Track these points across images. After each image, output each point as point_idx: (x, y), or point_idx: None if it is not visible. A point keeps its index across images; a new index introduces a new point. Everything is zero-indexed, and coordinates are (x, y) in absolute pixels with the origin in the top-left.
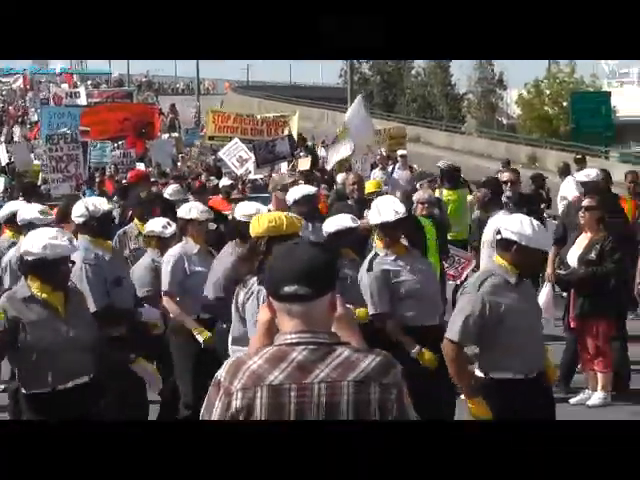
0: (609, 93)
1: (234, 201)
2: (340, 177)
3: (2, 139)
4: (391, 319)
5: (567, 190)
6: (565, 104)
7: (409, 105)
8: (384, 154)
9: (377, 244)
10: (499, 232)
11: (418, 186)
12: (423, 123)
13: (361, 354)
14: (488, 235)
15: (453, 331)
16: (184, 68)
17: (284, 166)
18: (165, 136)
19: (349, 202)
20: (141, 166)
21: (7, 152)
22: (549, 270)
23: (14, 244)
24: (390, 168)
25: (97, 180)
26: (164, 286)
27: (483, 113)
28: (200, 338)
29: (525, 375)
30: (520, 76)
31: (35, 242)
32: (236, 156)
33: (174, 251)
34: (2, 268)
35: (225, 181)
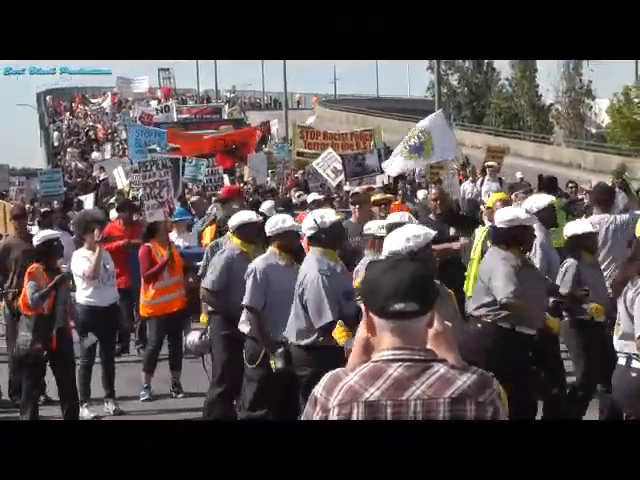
0: None
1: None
2: (421, 193)
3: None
4: None
5: None
6: None
7: (497, 117)
8: (475, 167)
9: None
10: None
11: (513, 197)
12: (511, 134)
13: (457, 371)
14: None
15: None
16: (271, 82)
17: (379, 179)
18: (255, 152)
19: (431, 217)
20: (227, 180)
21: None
22: None
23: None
24: (479, 181)
25: (187, 197)
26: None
27: (571, 123)
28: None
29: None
30: (609, 85)
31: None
32: (331, 167)
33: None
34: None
35: (314, 196)
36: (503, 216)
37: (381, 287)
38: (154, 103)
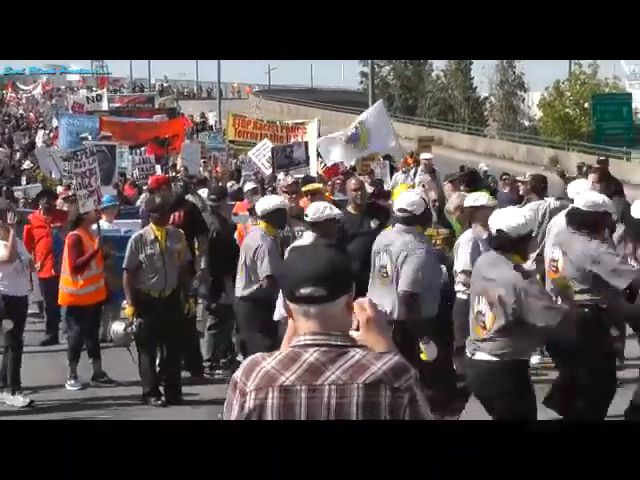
0: (630, 95)
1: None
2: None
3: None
4: None
5: None
6: (587, 105)
7: (430, 109)
8: (406, 158)
9: None
10: None
11: (447, 187)
12: (445, 126)
13: (373, 357)
14: None
15: None
16: (205, 73)
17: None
18: (188, 142)
19: (350, 209)
20: (158, 169)
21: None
22: None
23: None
24: (412, 172)
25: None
26: None
27: (505, 116)
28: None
29: None
30: (542, 78)
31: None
32: (266, 157)
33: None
34: None
35: (250, 184)
36: (591, 200)
37: (292, 272)
38: (84, 92)
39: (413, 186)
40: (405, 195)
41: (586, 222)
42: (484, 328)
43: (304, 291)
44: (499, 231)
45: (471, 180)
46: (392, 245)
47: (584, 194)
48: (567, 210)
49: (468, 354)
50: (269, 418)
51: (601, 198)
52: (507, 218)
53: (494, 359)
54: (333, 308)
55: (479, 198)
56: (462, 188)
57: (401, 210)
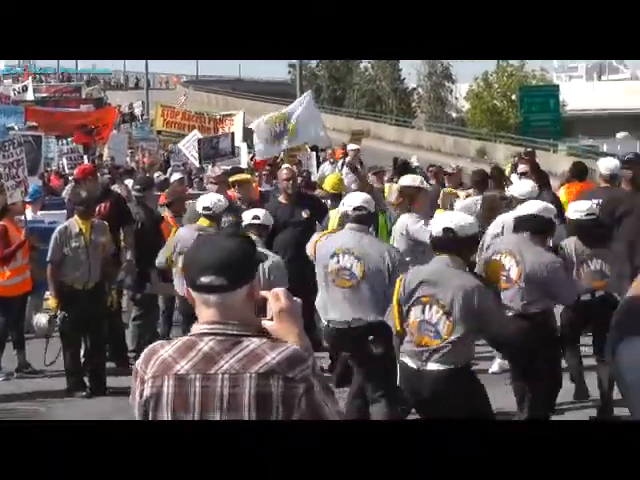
0: (557, 87)
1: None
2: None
3: None
4: None
5: None
6: (514, 97)
7: (358, 100)
8: (335, 149)
9: None
10: None
11: (372, 178)
12: (372, 117)
13: (269, 347)
14: None
15: None
16: (133, 63)
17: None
18: (115, 132)
19: (281, 199)
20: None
21: None
22: None
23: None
24: (340, 162)
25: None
26: None
27: (432, 107)
28: None
29: None
30: (469, 70)
31: None
32: (196, 148)
33: None
34: None
35: (177, 175)
36: (543, 206)
37: (193, 261)
38: (9, 82)
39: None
40: (355, 194)
41: (538, 229)
42: (437, 337)
43: (204, 280)
44: (446, 230)
45: (403, 172)
46: (361, 249)
47: (532, 201)
48: (517, 216)
49: (413, 365)
50: (164, 406)
51: (546, 204)
52: (455, 217)
53: (451, 367)
54: (233, 297)
55: (416, 179)
56: (395, 180)
57: (358, 208)
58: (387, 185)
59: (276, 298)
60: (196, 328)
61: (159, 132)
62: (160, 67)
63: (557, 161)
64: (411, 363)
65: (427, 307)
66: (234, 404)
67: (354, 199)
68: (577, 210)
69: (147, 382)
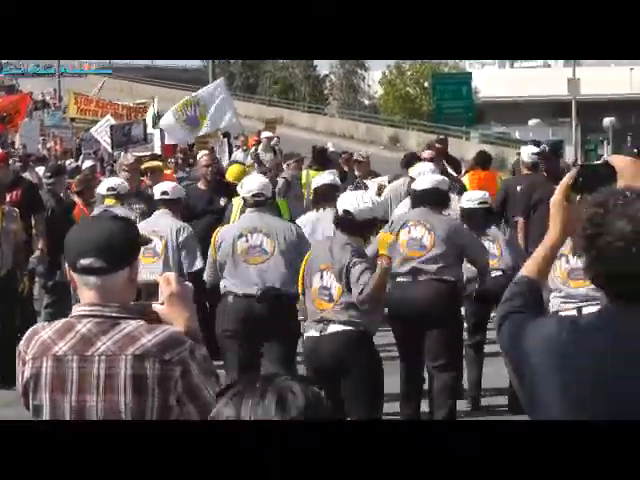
0: (470, 74)
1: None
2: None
3: None
4: None
5: None
6: (427, 85)
7: (271, 87)
8: (247, 136)
9: None
10: None
11: (285, 166)
12: (285, 105)
13: (146, 329)
14: None
15: None
16: None
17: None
18: (27, 119)
19: (200, 185)
20: None
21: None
22: None
23: None
24: (252, 150)
25: None
26: None
27: (345, 94)
28: None
29: None
30: None
31: None
32: (108, 133)
33: None
34: None
35: (88, 163)
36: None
37: (74, 242)
38: None
39: (251, 165)
40: (253, 178)
41: (436, 201)
42: (330, 301)
43: (84, 262)
44: (346, 212)
45: (321, 159)
46: (268, 227)
47: (427, 175)
48: (416, 191)
49: (315, 333)
50: (43, 387)
51: (441, 177)
52: (355, 201)
53: (348, 328)
54: (113, 280)
55: (326, 177)
56: (313, 168)
57: (257, 195)
58: (304, 172)
59: (167, 282)
60: (76, 310)
61: (72, 119)
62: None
63: (469, 148)
64: (313, 332)
65: (324, 274)
66: (110, 386)
67: (251, 184)
68: (470, 199)
69: (28, 363)
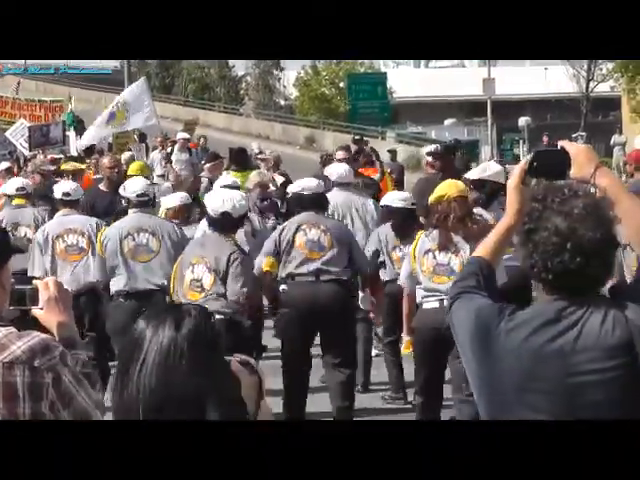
0: (385, 74)
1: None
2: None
3: None
4: None
5: None
6: (342, 85)
7: (187, 87)
8: (164, 136)
9: None
10: None
11: (206, 168)
12: (200, 105)
13: (15, 336)
14: None
15: None
16: None
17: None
18: None
19: (101, 186)
20: None
21: None
22: None
23: None
24: (169, 149)
25: None
26: None
27: (261, 95)
28: None
29: None
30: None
31: None
32: (24, 136)
33: None
34: None
35: (4, 165)
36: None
37: None
38: None
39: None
40: (136, 180)
41: (321, 205)
42: (202, 291)
43: None
44: (223, 213)
45: (239, 160)
46: (153, 226)
47: (307, 179)
48: (294, 193)
49: None
50: None
51: (317, 181)
52: (229, 201)
53: (218, 317)
54: None
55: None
56: (232, 168)
57: (141, 195)
58: (224, 173)
59: (45, 287)
60: None
61: None
62: None
63: (386, 147)
64: None
65: (195, 267)
66: None
67: (135, 186)
68: (400, 199)
69: None
